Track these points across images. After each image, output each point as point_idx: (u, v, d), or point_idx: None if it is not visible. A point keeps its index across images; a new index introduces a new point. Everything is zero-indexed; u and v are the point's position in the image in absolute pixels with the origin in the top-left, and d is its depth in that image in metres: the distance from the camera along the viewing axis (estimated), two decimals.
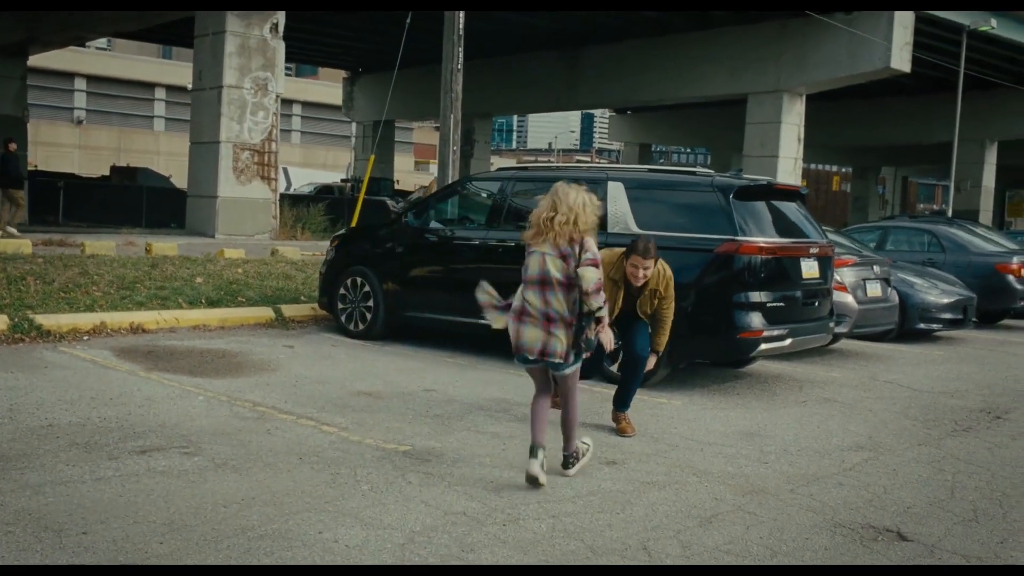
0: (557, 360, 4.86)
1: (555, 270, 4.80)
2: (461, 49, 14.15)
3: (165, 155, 49.44)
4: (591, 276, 4.76)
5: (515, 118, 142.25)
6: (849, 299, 10.10)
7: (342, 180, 37.94)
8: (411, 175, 57.29)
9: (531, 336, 4.85)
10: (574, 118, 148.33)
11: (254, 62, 19.20)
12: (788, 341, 7.65)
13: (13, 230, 16.97)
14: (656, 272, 5.99)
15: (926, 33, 26.69)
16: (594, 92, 32.81)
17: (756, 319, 7.37)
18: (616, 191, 7.97)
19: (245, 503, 4.33)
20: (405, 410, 6.40)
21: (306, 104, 58.94)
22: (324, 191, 33.20)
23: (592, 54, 31.53)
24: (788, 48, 26.31)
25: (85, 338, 8.42)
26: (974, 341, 12.32)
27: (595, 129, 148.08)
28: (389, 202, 27.59)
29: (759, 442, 6.09)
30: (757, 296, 7.39)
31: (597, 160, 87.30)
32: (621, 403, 6.23)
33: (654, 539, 4.19)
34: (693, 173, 8.13)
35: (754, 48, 26.93)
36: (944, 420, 7.11)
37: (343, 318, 9.59)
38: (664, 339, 6.21)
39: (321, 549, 3.84)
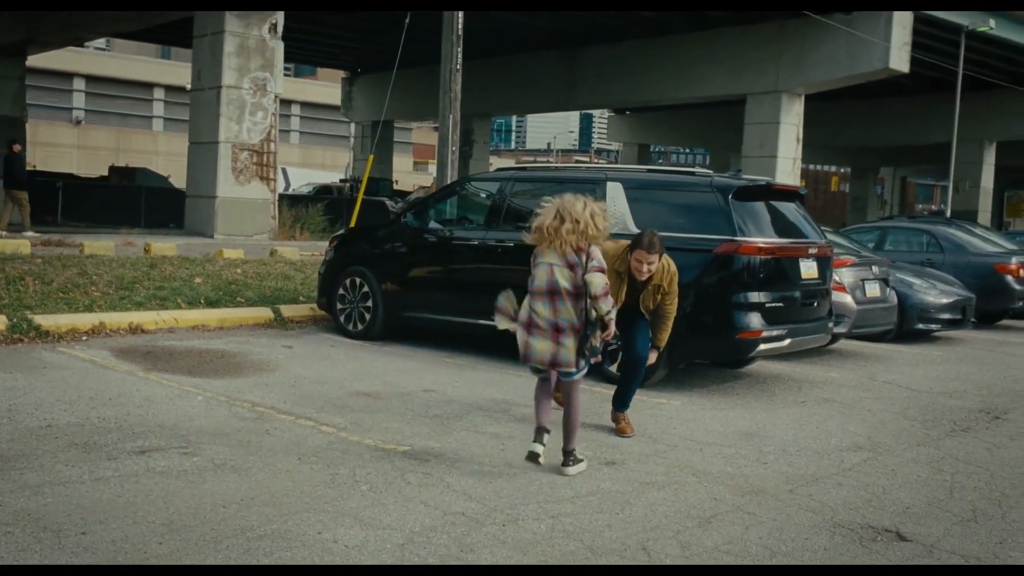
0: (567, 369, 5.04)
1: (563, 280, 4.92)
2: (460, 49, 14.16)
3: (164, 155, 49.43)
4: (599, 281, 4.89)
5: (514, 118, 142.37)
6: (848, 299, 10.11)
7: (341, 180, 37.95)
8: (410, 175, 57.32)
9: (540, 347, 4.99)
10: (573, 118, 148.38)
11: (253, 62, 19.21)
12: (787, 341, 7.66)
13: (2, 232, 16.93)
14: (661, 267, 5.96)
15: (925, 33, 26.73)
16: (593, 92, 32.83)
17: (755, 319, 7.38)
18: (615, 191, 7.98)
19: (244, 503, 4.33)
20: (404, 410, 6.40)
21: (305, 104, 58.93)
22: (323, 191, 33.19)
23: (591, 54, 31.54)
24: (787, 48, 26.34)
25: (84, 338, 8.41)
26: (973, 341, 12.32)
27: (594, 129, 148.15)
28: (388, 202, 27.58)
29: (758, 442, 6.09)
30: (756, 296, 7.40)
31: (596, 160, 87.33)
32: (620, 403, 6.23)
33: (653, 539, 4.19)
34: (692, 173, 8.13)
35: (753, 48, 26.95)
36: (943, 420, 7.11)
37: (342, 318, 9.59)
38: (666, 335, 6.20)
39: (320, 549, 3.84)
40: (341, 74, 41.90)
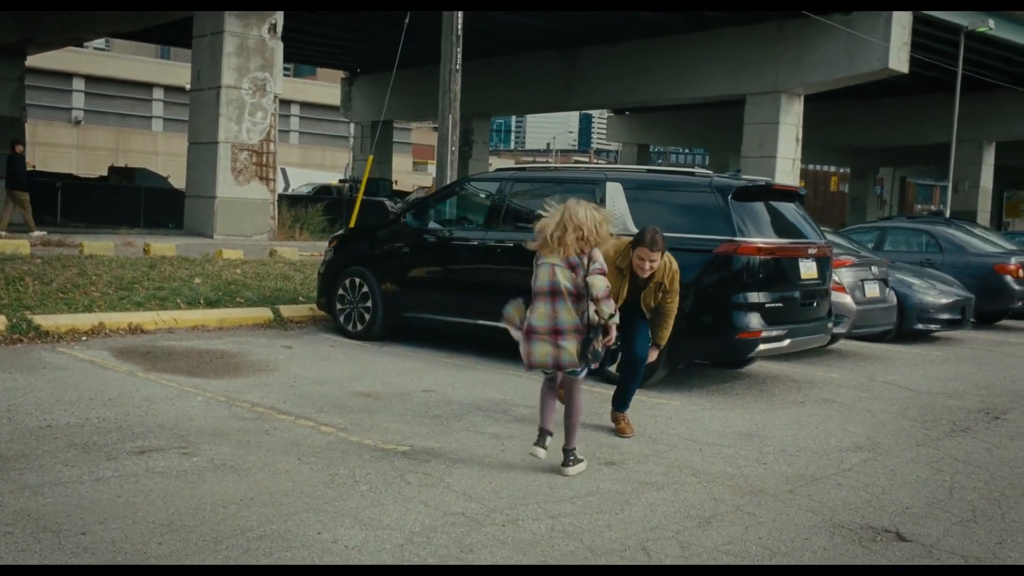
0: (571, 369, 5.07)
1: (565, 280, 4.94)
2: (459, 49, 14.16)
3: (163, 155, 49.46)
4: (600, 284, 4.91)
5: (513, 118, 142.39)
6: (847, 300, 10.12)
7: (340, 181, 37.97)
8: (409, 175, 57.34)
9: (541, 352, 5.01)
10: (572, 118, 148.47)
11: (252, 62, 19.21)
12: (786, 342, 7.66)
13: (3, 232, 16.94)
14: (663, 265, 5.94)
15: (924, 34, 26.74)
16: (592, 92, 32.83)
17: (755, 319, 7.38)
18: (615, 191, 7.98)
19: (244, 503, 4.33)
20: (404, 411, 6.40)
21: (304, 104, 58.95)
22: (322, 191, 33.21)
23: (590, 54, 31.55)
24: (786, 49, 26.34)
25: (83, 339, 8.41)
26: (972, 342, 12.33)
27: (593, 130, 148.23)
28: (387, 203, 27.58)
29: (758, 442, 6.09)
30: (755, 297, 7.40)
31: (595, 160, 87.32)
32: (620, 403, 6.23)
33: (653, 539, 4.19)
34: (691, 174, 8.13)
35: (752, 49, 26.96)
36: (942, 420, 7.12)
37: (341, 319, 9.59)
38: (667, 333, 6.18)
39: (320, 549, 3.84)
40: (341, 74, 41.89)
